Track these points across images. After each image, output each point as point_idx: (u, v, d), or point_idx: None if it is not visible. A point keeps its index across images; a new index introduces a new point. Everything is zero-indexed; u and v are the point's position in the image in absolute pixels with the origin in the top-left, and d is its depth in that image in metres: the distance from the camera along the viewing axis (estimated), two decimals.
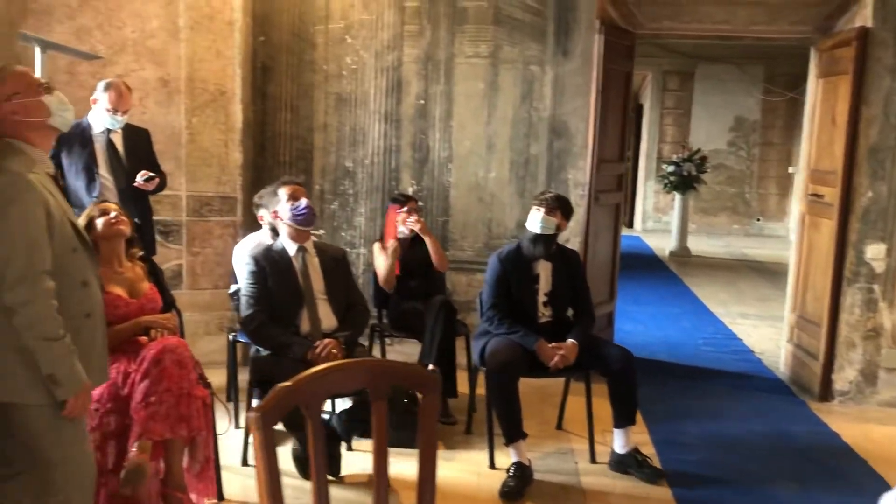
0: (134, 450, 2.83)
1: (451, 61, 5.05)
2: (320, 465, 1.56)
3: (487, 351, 3.59)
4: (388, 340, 4.60)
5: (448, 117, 5.09)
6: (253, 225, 4.66)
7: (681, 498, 3.46)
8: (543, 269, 3.77)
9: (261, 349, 3.45)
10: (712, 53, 12.89)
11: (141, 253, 3.39)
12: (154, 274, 3.38)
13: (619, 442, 3.69)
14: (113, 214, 3.15)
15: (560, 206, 3.71)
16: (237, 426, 3.95)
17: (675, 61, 13.49)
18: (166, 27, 4.69)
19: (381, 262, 4.37)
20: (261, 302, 3.41)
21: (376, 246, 4.46)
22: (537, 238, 3.70)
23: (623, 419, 3.66)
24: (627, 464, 3.65)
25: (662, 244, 11.77)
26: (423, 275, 4.41)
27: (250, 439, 3.66)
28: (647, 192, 14.00)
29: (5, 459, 2.37)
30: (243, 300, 3.45)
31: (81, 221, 2.96)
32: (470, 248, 5.18)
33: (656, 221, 14.07)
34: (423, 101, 5.10)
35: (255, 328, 3.39)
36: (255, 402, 3.62)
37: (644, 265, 10.09)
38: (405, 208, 4.38)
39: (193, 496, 3.09)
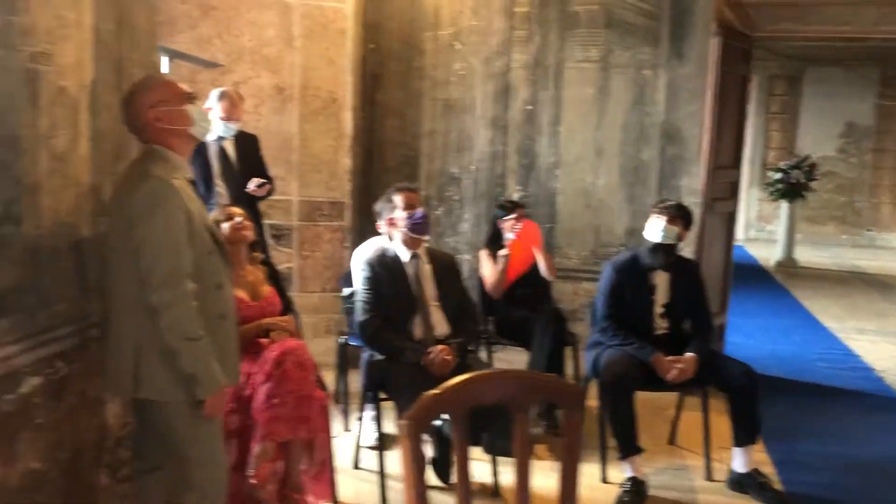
0: (256, 452, 2.90)
1: (560, 66, 4.99)
2: (464, 474, 1.54)
3: (602, 363, 3.52)
4: (492, 348, 4.57)
5: (556, 123, 5.04)
6: (362, 230, 4.73)
7: None
8: (661, 280, 3.66)
9: (375, 353, 3.47)
10: (822, 56, 12.37)
11: (262, 257, 3.47)
12: (274, 277, 3.45)
13: (738, 461, 3.54)
14: (238, 219, 3.23)
15: (682, 215, 3.60)
16: (347, 429, 3.99)
17: (783, 64, 13.01)
18: (282, 36, 4.80)
19: (489, 269, 4.34)
20: (376, 307, 3.43)
21: (483, 253, 4.44)
22: (657, 248, 3.59)
23: (744, 437, 3.51)
24: (747, 484, 3.50)
25: (767, 254, 11.34)
26: (531, 283, 4.37)
27: (361, 442, 3.69)
28: (751, 200, 13.53)
29: (144, 454, 2.46)
30: (359, 305, 3.49)
31: None
32: (576, 256, 5.10)
33: (759, 230, 13.59)
34: (531, 107, 5.06)
35: (371, 333, 3.41)
36: (368, 407, 3.65)
37: (749, 276, 9.73)
38: (513, 215, 4.34)
39: (310, 498, 3.13)
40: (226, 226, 3.20)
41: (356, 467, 3.64)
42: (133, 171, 2.28)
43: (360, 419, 3.70)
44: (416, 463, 1.44)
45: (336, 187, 5.00)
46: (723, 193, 5.00)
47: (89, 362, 2.52)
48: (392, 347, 3.38)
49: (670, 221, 3.57)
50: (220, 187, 4.20)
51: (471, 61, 5.10)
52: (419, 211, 3.49)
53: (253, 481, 2.86)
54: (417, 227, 3.48)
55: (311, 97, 4.89)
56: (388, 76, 5.19)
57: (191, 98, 2.33)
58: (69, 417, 2.47)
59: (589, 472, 3.66)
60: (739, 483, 3.53)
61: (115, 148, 2.62)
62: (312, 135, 4.92)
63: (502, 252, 4.26)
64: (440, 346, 3.33)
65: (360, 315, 3.47)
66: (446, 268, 3.63)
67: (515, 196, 5.07)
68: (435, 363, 3.26)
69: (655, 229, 3.59)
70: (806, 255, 11.30)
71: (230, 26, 4.78)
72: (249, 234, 3.27)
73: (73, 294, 2.47)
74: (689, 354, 3.51)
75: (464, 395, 1.51)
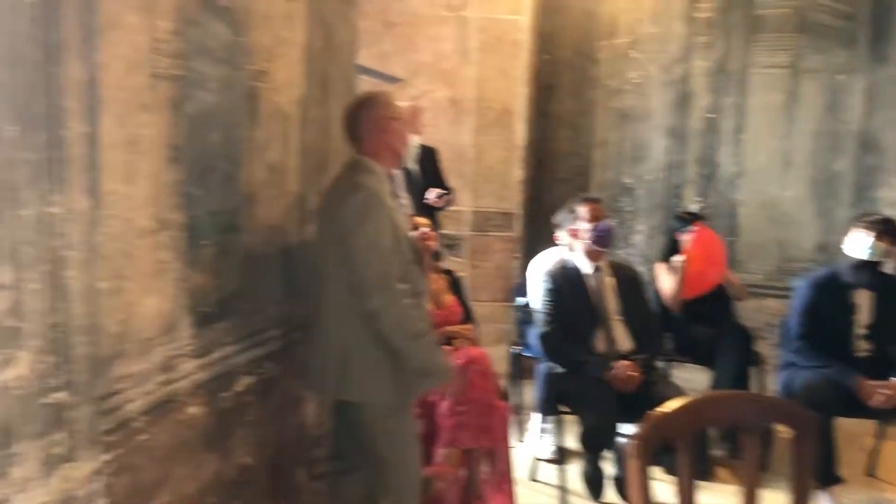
0: (441, 456, 2.93)
1: (744, 72, 4.77)
2: (687, 499, 1.47)
3: (799, 385, 3.31)
4: (670, 365, 4.40)
5: (739, 131, 4.82)
6: (531, 240, 4.71)
7: None
8: (864, 299, 3.41)
9: (554, 366, 3.43)
10: None
11: (444, 266, 3.53)
12: (455, 286, 3.50)
13: None
14: (424, 230, 3.29)
15: (890, 231, 3.34)
16: (521, 440, 3.98)
17: None
18: (458, 49, 4.88)
19: (666, 282, 4.20)
20: (557, 319, 3.40)
21: (660, 266, 4.30)
22: (861, 265, 3.35)
23: None
24: None
25: None
26: (713, 298, 4.18)
27: (538, 454, 3.67)
28: None
29: (342, 455, 2.54)
30: (539, 317, 3.46)
31: None
32: (759, 271, 4.85)
33: None
34: (712, 115, 4.87)
35: (552, 345, 3.38)
36: (545, 419, 3.62)
37: None
38: (693, 227, 4.17)
39: None
40: (412, 235, 3.27)
41: (533, 479, 3.62)
42: (344, 181, 2.38)
43: (537, 431, 3.67)
44: (643, 483, 1.40)
45: (507, 198, 5.02)
46: None
47: (292, 364, 2.64)
48: (573, 361, 3.33)
49: (878, 237, 3.31)
50: (404, 199, 4.30)
51: (648, 69, 4.98)
52: (604, 223, 3.43)
53: (429, 469, 2.89)
54: (601, 240, 3.42)
55: (485, 109, 4.93)
56: (562, 86, 5.16)
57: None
58: (275, 416, 2.59)
59: (775, 499, 3.44)
60: None
61: (318, 160, 2.74)
62: (486, 146, 4.96)
63: (678, 258, 4.10)
64: (625, 362, 3.25)
65: (540, 327, 3.44)
66: (629, 281, 3.54)
67: (694, 207, 4.88)
68: (619, 379, 3.19)
69: (861, 245, 3.34)
70: None
71: (410, 42, 4.91)
72: (434, 243, 3.33)
73: (281, 298, 2.60)
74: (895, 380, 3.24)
75: (694, 416, 1.45)
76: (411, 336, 2.26)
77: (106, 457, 1.80)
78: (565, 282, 3.45)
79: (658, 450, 3.14)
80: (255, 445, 2.49)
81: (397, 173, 4.29)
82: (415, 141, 4.35)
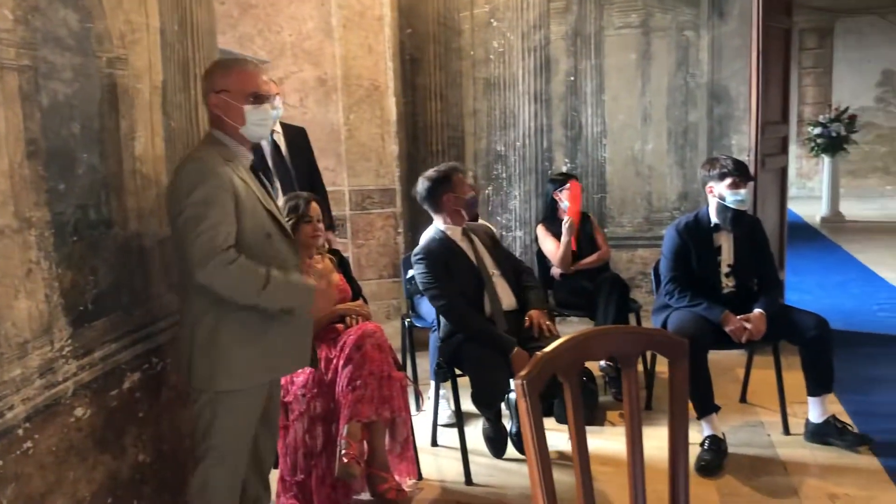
0: (343, 434, 2.94)
1: (599, 35, 4.96)
2: (581, 436, 1.56)
3: (671, 325, 3.52)
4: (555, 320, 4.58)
5: (600, 92, 5.02)
6: (413, 214, 4.77)
7: (891, 467, 3.28)
8: (725, 240, 3.65)
9: (448, 333, 3.48)
10: (852, 6, 12.12)
11: (329, 246, 3.52)
12: (342, 265, 3.50)
13: (815, 411, 3.53)
14: (319, 226, 3.19)
15: (747, 176, 3.59)
16: (420, 409, 4.04)
17: (810, 18, 12.76)
18: (321, 28, 4.84)
19: (550, 243, 4.34)
20: (450, 289, 3.43)
21: (541, 229, 4.44)
22: (723, 209, 3.57)
23: (819, 387, 3.50)
24: (826, 433, 3.49)
25: (811, 211, 11.19)
26: (589, 252, 4.37)
27: (438, 420, 3.75)
28: (790, 157, 13.32)
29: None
30: (432, 292, 3.47)
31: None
32: (629, 224, 5.09)
33: (800, 188, 13.41)
34: (572, 78, 5.04)
35: (458, 316, 3.40)
36: (442, 385, 3.69)
37: (797, 234, 9.60)
38: (568, 186, 4.33)
39: (396, 476, 3.19)
40: (305, 228, 3.15)
41: (434, 444, 3.70)
42: (186, 155, 2.33)
43: (435, 397, 3.75)
44: (534, 420, 1.47)
45: (385, 174, 5.04)
46: (773, 149, 4.95)
47: (176, 355, 2.58)
48: (479, 330, 3.36)
49: (746, 185, 3.55)
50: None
51: (508, 37, 5.10)
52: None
53: (346, 459, 2.90)
54: (472, 208, 3.49)
55: (353, 87, 4.92)
56: (427, 59, 5.21)
57: (258, 99, 2.28)
58: (166, 410, 2.54)
59: (661, 435, 3.67)
60: (818, 433, 3.52)
61: (185, 147, 2.67)
62: (358, 124, 4.96)
63: (566, 221, 4.24)
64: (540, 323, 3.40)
65: (435, 301, 3.46)
66: (489, 237, 3.72)
67: (564, 168, 5.07)
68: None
69: (734, 196, 3.53)
70: (851, 209, 11.12)
71: (270, 23, 4.82)
72: (320, 241, 3.26)
73: (162, 291, 2.54)
74: (756, 311, 3.49)
75: (576, 352, 1.54)
76: (254, 292, 2.17)
77: None
78: (444, 252, 3.50)
79: (548, 394, 3.29)
80: (150, 442, 2.44)
81: (265, 146, 4.16)
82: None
